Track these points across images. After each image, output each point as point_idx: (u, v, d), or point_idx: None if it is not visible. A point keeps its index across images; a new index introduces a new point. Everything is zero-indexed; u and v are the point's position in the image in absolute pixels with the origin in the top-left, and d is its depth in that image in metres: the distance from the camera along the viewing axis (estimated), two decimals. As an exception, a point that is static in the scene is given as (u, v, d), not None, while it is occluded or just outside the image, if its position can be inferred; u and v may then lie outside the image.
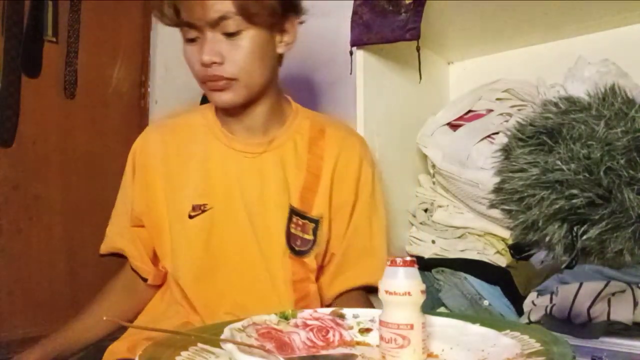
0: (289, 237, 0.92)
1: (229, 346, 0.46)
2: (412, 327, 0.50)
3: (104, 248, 1.00)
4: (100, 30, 1.63)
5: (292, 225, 0.92)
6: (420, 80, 1.26)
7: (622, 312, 0.92)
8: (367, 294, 0.97)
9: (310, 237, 0.93)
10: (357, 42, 1.21)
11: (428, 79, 1.49)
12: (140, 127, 1.70)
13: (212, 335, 0.51)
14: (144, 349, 0.49)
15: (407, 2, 1.18)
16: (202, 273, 0.90)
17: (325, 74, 1.83)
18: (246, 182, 0.93)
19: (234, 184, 0.92)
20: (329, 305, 0.95)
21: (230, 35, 0.86)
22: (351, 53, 1.23)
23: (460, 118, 1.37)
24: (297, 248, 0.92)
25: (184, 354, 0.48)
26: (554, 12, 1.28)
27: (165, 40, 1.73)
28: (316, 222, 0.94)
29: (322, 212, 0.94)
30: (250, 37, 0.87)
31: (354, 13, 1.21)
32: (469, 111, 1.37)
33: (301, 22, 0.95)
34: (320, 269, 0.96)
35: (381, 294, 0.51)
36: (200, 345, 0.51)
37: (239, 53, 0.87)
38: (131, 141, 1.00)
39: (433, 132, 1.38)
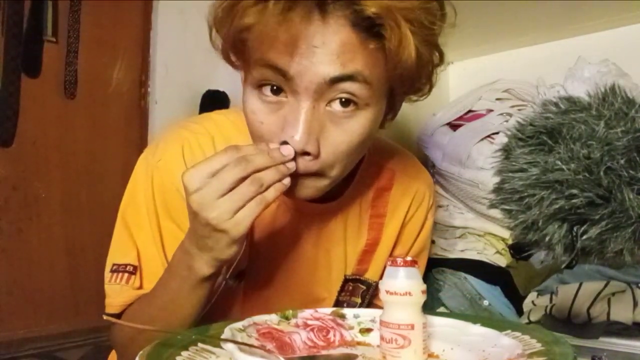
0: (336, 306, 0.79)
1: (230, 346, 0.46)
2: (412, 327, 0.50)
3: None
4: (100, 30, 1.62)
5: (342, 293, 0.79)
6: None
7: (622, 312, 0.92)
8: None
9: (358, 300, 0.81)
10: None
11: (428, 79, 1.49)
12: (140, 127, 1.70)
13: (212, 335, 0.51)
14: (144, 349, 0.49)
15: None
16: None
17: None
18: (299, 245, 0.75)
19: (283, 246, 0.75)
20: None
21: (344, 109, 0.58)
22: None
23: (460, 118, 1.37)
24: None
25: (184, 353, 0.48)
26: (554, 12, 1.28)
27: (165, 40, 1.72)
28: (369, 285, 0.81)
29: (377, 276, 0.80)
30: (367, 117, 0.60)
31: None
32: (469, 111, 1.37)
33: None
34: None
35: (382, 294, 0.51)
36: (200, 345, 0.51)
37: (345, 140, 0.59)
38: (131, 141, 0.93)
39: (433, 132, 1.38)
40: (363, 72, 0.56)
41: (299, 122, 0.57)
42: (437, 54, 0.61)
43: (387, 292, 0.50)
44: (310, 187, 0.62)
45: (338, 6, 0.54)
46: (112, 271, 0.71)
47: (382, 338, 0.51)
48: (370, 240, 0.80)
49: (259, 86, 0.59)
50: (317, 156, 0.59)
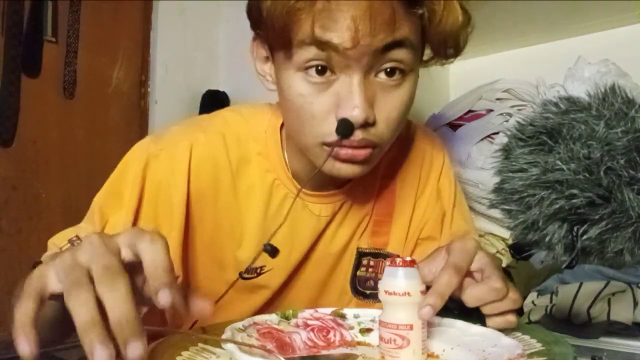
0: (356, 282, 0.77)
1: (230, 346, 0.46)
2: (411, 327, 0.50)
3: None
4: (100, 30, 1.62)
5: (362, 269, 0.77)
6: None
7: (622, 312, 0.92)
8: None
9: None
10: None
11: (428, 79, 1.49)
12: (140, 127, 1.70)
13: (213, 335, 0.51)
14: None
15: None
16: None
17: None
18: (318, 240, 0.75)
19: (302, 244, 0.74)
20: None
21: (392, 78, 0.59)
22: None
23: (460, 118, 1.37)
24: (369, 292, 0.77)
25: (184, 353, 0.48)
26: (554, 12, 1.28)
27: (165, 40, 1.73)
28: None
29: (400, 249, 0.78)
30: (413, 82, 0.62)
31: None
32: (469, 111, 1.37)
33: None
34: None
35: (381, 294, 0.51)
36: (200, 345, 0.51)
37: (396, 106, 0.61)
38: (131, 141, 0.92)
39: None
40: (410, 37, 0.58)
41: (355, 95, 0.57)
42: (468, 17, 0.61)
43: (386, 292, 0.50)
44: (360, 163, 0.62)
45: None
46: (70, 241, 0.68)
47: (381, 338, 0.51)
48: (381, 208, 0.78)
49: (305, 68, 0.59)
50: (374, 126, 0.60)
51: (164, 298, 0.39)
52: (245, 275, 0.70)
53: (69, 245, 0.67)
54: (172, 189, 0.69)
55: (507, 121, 1.28)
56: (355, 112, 0.57)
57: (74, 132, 1.57)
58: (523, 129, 0.56)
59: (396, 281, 0.50)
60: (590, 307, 0.94)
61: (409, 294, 0.49)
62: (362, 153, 0.61)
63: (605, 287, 0.96)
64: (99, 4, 1.60)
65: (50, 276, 0.40)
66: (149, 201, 0.69)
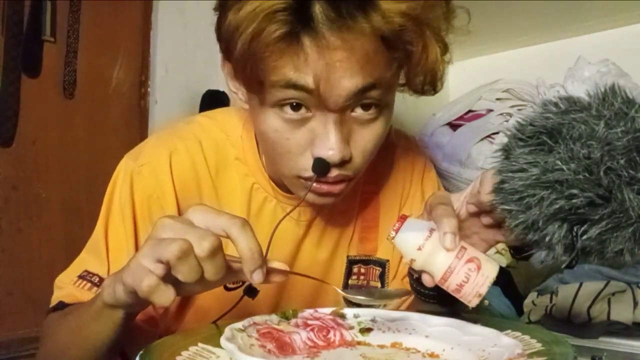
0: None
1: (230, 346, 0.46)
2: (465, 248, 0.49)
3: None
4: (100, 30, 1.62)
5: (353, 277, 0.77)
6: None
7: (622, 312, 0.92)
8: None
9: (377, 284, 0.78)
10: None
11: (428, 79, 1.49)
12: (140, 127, 1.69)
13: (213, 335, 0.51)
14: (144, 349, 0.49)
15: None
16: None
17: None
18: (301, 245, 0.75)
19: (283, 248, 0.73)
20: None
21: (368, 112, 0.59)
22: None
23: (460, 118, 1.37)
24: None
25: (184, 353, 0.48)
26: (554, 12, 1.28)
27: (165, 40, 1.72)
28: (383, 265, 0.78)
29: (389, 253, 0.78)
30: (388, 115, 0.62)
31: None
32: (469, 111, 1.37)
33: None
34: None
35: (417, 261, 0.50)
36: (200, 345, 0.51)
37: (371, 140, 0.61)
38: (131, 141, 0.91)
39: (433, 132, 1.38)
40: (385, 77, 0.57)
41: (331, 135, 0.58)
42: (446, 51, 0.61)
43: (418, 249, 0.50)
44: (336, 195, 0.63)
45: (360, 19, 0.52)
46: (81, 277, 0.70)
47: (459, 286, 0.50)
48: (367, 213, 0.78)
49: (279, 105, 0.58)
50: (350, 160, 0.60)
51: (258, 278, 0.49)
52: (229, 286, 0.69)
53: (81, 281, 0.69)
54: (162, 200, 0.69)
55: (507, 121, 1.28)
56: (331, 153, 0.58)
57: (74, 132, 1.57)
58: (523, 129, 0.56)
59: (414, 235, 0.50)
60: (590, 307, 0.94)
61: (431, 231, 0.50)
62: (338, 187, 0.62)
63: (605, 287, 0.96)
64: (99, 4, 1.60)
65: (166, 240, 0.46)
66: (143, 217, 0.70)
